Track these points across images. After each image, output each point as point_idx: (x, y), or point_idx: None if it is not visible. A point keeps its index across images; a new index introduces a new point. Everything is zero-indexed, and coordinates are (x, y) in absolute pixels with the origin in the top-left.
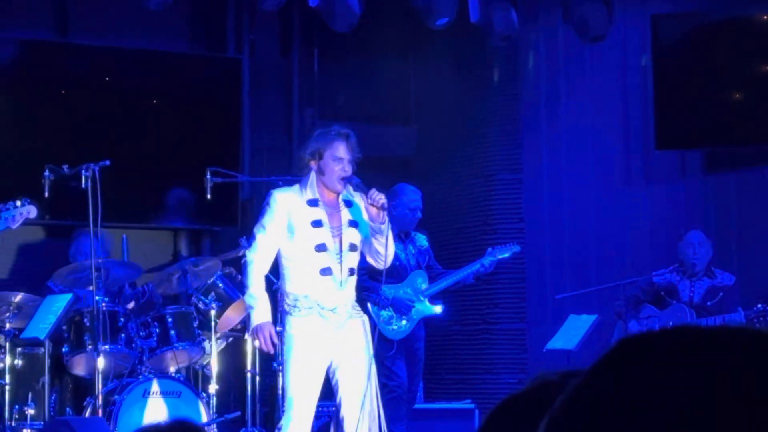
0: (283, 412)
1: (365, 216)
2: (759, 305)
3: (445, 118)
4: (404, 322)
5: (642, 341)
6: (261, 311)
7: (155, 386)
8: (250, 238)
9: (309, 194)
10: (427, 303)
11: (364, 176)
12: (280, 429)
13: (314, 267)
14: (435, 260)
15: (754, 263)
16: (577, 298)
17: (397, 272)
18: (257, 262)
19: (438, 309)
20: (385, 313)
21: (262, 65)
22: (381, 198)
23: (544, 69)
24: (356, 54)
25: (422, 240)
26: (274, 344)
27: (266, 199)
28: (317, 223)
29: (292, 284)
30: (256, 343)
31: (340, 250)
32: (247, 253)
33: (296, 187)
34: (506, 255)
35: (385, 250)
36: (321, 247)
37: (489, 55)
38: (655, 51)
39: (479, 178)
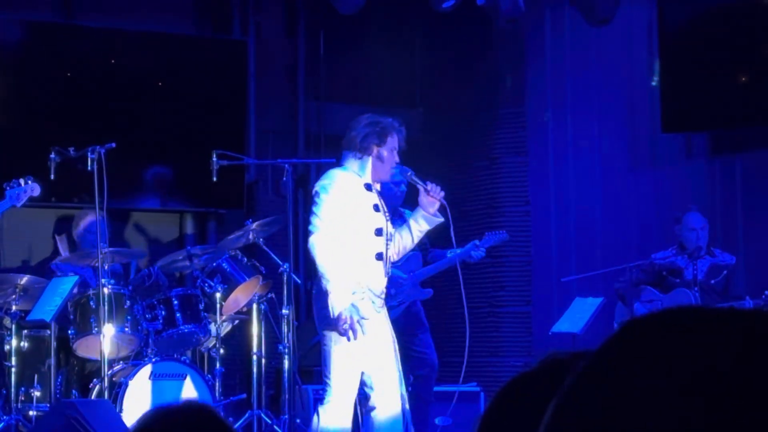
0: (323, 392)
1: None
2: (767, 291)
3: (450, 101)
4: (396, 304)
5: (649, 322)
6: (339, 296)
7: (161, 369)
8: (311, 218)
9: (366, 178)
10: (419, 287)
11: None
12: (322, 412)
13: (371, 251)
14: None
15: (760, 245)
16: (583, 281)
17: None
18: (327, 242)
19: (427, 293)
20: None
21: (268, 47)
22: (441, 191)
23: (550, 51)
24: (362, 36)
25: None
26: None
27: (325, 180)
28: (376, 208)
29: (346, 268)
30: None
31: (390, 236)
32: (313, 236)
33: (352, 169)
34: (496, 244)
35: (411, 244)
36: (379, 231)
37: (495, 38)
38: (661, 34)
39: (485, 160)
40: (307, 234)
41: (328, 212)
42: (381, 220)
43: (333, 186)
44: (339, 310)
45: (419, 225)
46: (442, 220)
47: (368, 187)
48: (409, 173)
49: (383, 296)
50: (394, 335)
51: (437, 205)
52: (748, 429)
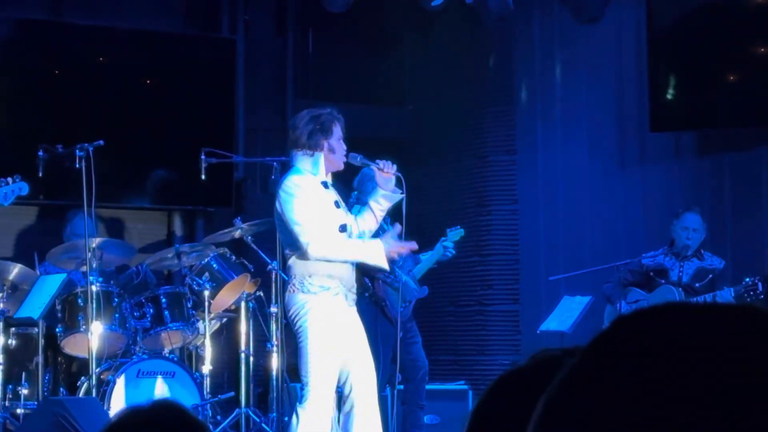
0: (300, 392)
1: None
2: (746, 279)
3: (440, 99)
4: (406, 305)
5: (638, 319)
6: (367, 250)
7: (149, 366)
8: (293, 228)
9: (322, 176)
10: (418, 285)
11: None
12: (301, 412)
13: None
14: None
15: (747, 245)
16: (571, 280)
17: None
18: (324, 239)
19: (424, 291)
20: (393, 295)
21: (257, 46)
22: (393, 165)
23: (539, 50)
24: (351, 35)
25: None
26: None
27: (288, 188)
28: (337, 204)
29: (316, 265)
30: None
31: (351, 230)
32: (311, 248)
33: (305, 170)
34: (456, 239)
35: (375, 225)
36: (343, 228)
37: (484, 36)
38: (650, 32)
39: (474, 159)
40: (295, 246)
41: (303, 214)
42: (342, 216)
43: (298, 189)
44: (383, 253)
45: (381, 205)
46: (402, 195)
47: (325, 185)
48: (358, 158)
49: (354, 291)
50: (364, 332)
51: (393, 180)
52: (744, 425)
